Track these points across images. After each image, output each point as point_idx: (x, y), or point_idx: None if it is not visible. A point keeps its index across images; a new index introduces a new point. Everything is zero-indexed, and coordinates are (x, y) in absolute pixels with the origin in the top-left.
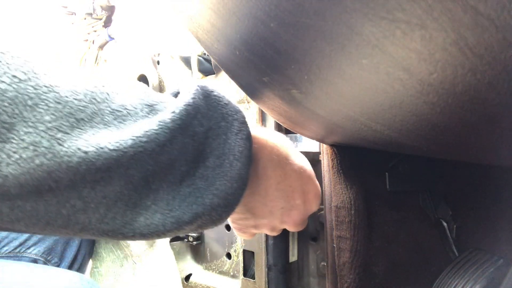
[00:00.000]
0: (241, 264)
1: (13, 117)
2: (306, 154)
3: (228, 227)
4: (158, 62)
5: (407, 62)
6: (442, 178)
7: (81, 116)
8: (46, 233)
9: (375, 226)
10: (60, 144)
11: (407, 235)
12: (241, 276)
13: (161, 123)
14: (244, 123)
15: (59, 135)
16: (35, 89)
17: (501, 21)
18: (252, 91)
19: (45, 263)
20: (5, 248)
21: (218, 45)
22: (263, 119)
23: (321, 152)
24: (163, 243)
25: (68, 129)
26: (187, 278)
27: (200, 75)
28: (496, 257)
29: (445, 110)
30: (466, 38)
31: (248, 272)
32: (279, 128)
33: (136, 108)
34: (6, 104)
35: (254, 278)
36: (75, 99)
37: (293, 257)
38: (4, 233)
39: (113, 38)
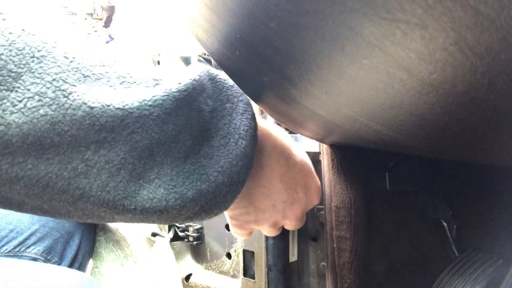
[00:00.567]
0: (241, 264)
1: (19, 67)
2: (306, 153)
3: (228, 227)
4: (158, 62)
5: (407, 62)
6: (442, 178)
7: (88, 73)
8: (43, 203)
9: (375, 226)
10: (65, 96)
11: (407, 235)
12: (241, 276)
13: (167, 91)
14: (248, 104)
15: (65, 86)
16: (43, 42)
17: (501, 21)
18: (252, 91)
19: (45, 263)
20: (4, 248)
21: (218, 45)
22: (262, 117)
23: (321, 152)
24: (163, 243)
25: (74, 81)
26: (187, 278)
27: None
28: (496, 257)
29: (445, 110)
30: (466, 38)
31: (248, 272)
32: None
33: (142, 78)
34: (13, 54)
35: (254, 278)
36: (83, 57)
37: (293, 257)
38: (3, 232)
39: (113, 38)
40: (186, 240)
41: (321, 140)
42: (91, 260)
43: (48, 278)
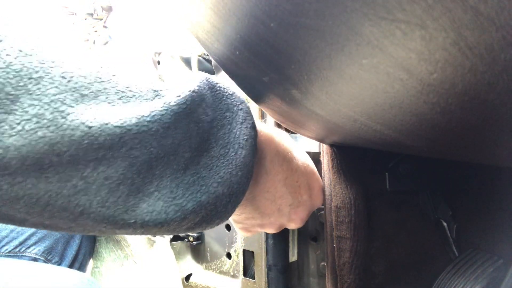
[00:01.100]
0: (241, 264)
1: (17, 89)
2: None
3: (228, 227)
4: (159, 62)
5: (407, 62)
6: (442, 178)
7: (85, 92)
8: (44, 220)
9: (375, 226)
10: (63, 117)
11: (407, 235)
12: (241, 276)
13: (166, 105)
14: (248, 113)
15: (63, 107)
16: (41, 63)
17: (501, 21)
18: (252, 91)
19: (45, 263)
20: (5, 248)
21: (218, 45)
22: (263, 119)
23: (321, 152)
24: (163, 243)
25: (72, 103)
26: (187, 278)
27: None
28: (496, 257)
29: (445, 110)
30: (466, 38)
31: (248, 272)
32: (279, 128)
33: (141, 91)
34: (11, 76)
35: (254, 278)
36: (81, 75)
37: (293, 257)
38: (4, 232)
39: (112, 38)
40: (186, 240)
41: (321, 140)
42: (91, 260)
43: (49, 278)
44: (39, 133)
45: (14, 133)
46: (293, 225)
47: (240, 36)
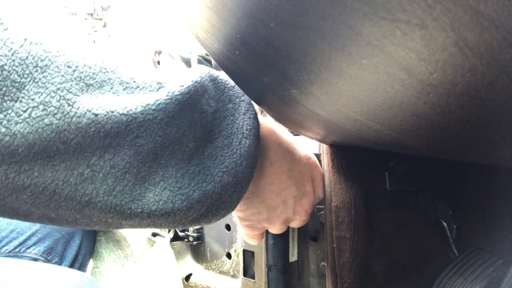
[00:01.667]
0: (241, 264)
1: (23, 76)
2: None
3: (228, 227)
4: (159, 62)
5: (407, 62)
6: (442, 178)
7: (90, 82)
8: (50, 211)
9: (375, 226)
10: (69, 105)
11: (407, 235)
12: (241, 276)
13: (170, 94)
14: (250, 104)
15: (69, 96)
16: (46, 52)
17: (501, 21)
18: (252, 91)
19: (45, 263)
20: (5, 248)
21: (218, 45)
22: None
23: (321, 152)
24: (163, 243)
25: (78, 91)
26: (188, 278)
27: None
28: (496, 257)
29: (445, 110)
30: (466, 38)
31: (248, 272)
32: None
33: (145, 82)
34: (16, 63)
35: (254, 278)
36: (85, 65)
37: (293, 257)
38: (4, 233)
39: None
40: (186, 240)
41: (321, 140)
42: (91, 260)
43: (49, 278)
44: (46, 120)
45: (20, 120)
46: (298, 218)
47: (240, 36)
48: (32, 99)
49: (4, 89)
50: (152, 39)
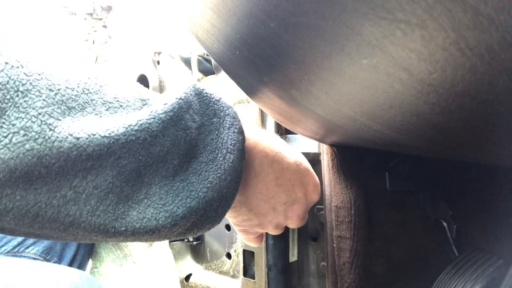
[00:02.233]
0: (241, 264)
1: (4, 102)
2: (306, 154)
3: (228, 227)
4: (158, 62)
5: (407, 62)
6: (442, 178)
7: (72, 104)
8: (34, 230)
9: (375, 226)
10: (51, 130)
11: (407, 235)
12: (241, 276)
13: (153, 114)
14: (235, 117)
15: (51, 120)
16: (27, 75)
17: (501, 21)
18: (252, 91)
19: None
20: (3, 248)
21: (218, 45)
22: (263, 119)
23: (321, 152)
24: (162, 243)
25: (59, 115)
26: (187, 278)
27: (200, 75)
28: (496, 257)
29: (445, 110)
30: (466, 38)
31: (248, 272)
32: (279, 128)
33: (128, 101)
34: None
35: (254, 278)
36: (68, 87)
37: (293, 257)
38: None
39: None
40: (186, 240)
41: (321, 140)
42: (90, 261)
43: (48, 277)
44: (27, 146)
45: (1, 146)
46: (291, 223)
47: (240, 36)
48: (13, 125)
49: None
50: (152, 40)
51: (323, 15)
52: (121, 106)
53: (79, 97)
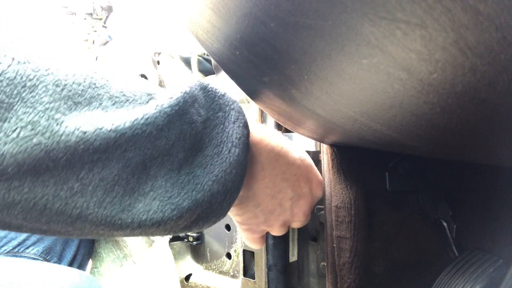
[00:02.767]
0: (241, 264)
1: (11, 97)
2: (307, 152)
3: (228, 227)
4: (158, 62)
5: (407, 62)
6: (442, 178)
7: (79, 99)
8: (42, 225)
9: (375, 226)
10: (58, 124)
11: (407, 235)
12: (241, 276)
13: (159, 107)
14: (241, 112)
15: (58, 115)
16: (34, 71)
17: (501, 21)
18: (252, 91)
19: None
20: (4, 248)
21: (218, 45)
22: (263, 119)
23: (321, 152)
24: (162, 243)
25: (66, 110)
26: (187, 278)
27: (200, 75)
28: (496, 257)
29: (445, 110)
30: (466, 38)
31: (248, 272)
32: (279, 128)
33: (135, 95)
34: (4, 84)
35: (254, 278)
36: (74, 82)
37: (293, 257)
38: (3, 233)
39: (112, 38)
40: (186, 240)
41: (321, 140)
42: (90, 261)
43: (48, 276)
44: (35, 140)
45: (9, 141)
46: (296, 219)
47: (240, 36)
48: (21, 119)
49: None
50: (152, 40)
51: (323, 15)
52: (127, 100)
53: (86, 91)
